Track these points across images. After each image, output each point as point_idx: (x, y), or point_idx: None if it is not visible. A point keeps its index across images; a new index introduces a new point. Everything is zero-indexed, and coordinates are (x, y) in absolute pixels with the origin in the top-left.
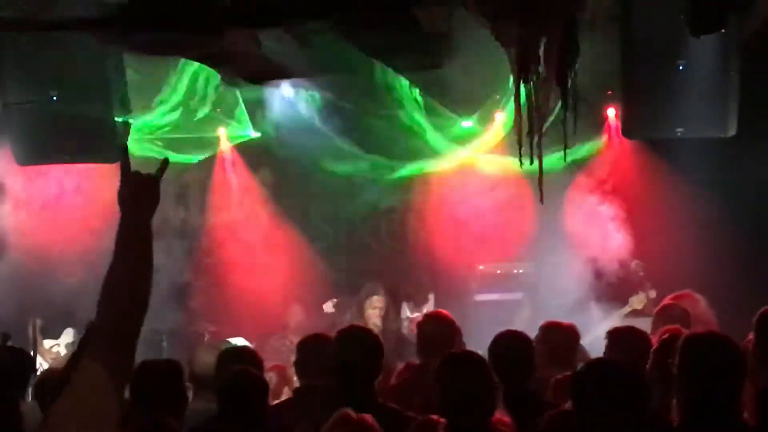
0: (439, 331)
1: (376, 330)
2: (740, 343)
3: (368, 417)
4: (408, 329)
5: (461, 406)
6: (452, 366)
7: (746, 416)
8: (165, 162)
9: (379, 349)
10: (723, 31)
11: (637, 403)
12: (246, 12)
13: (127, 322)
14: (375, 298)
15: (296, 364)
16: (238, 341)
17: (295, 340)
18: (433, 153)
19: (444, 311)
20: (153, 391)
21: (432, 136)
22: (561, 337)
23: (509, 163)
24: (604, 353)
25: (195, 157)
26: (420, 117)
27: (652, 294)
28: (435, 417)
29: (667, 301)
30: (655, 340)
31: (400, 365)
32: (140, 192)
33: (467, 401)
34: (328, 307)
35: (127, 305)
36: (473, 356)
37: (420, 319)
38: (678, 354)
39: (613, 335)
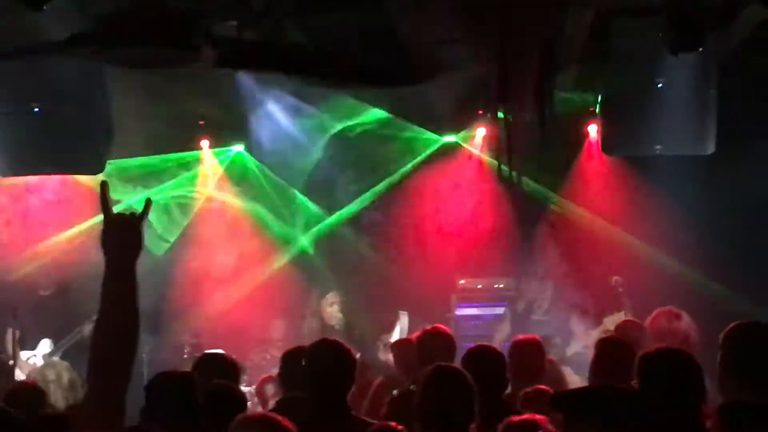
0: (439, 346)
1: (339, 324)
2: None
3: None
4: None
5: (440, 418)
6: (437, 378)
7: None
8: (148, 202)
9: (350, 361)
10: (701, 49)
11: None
12: (229, 57)
13: (116, 375)
14: (330, 295)
15: (279, 376)
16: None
17: (276, 353)
18: (416, 168)
19: (441, 326)
20: (166, 403)
21: (416, 151)
22: (527, 352)
23: (491, 178)
24: (591, 363)
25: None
26: (404, 132)
27: (629, 314)
28: (394, 423)
29: (652, 316)
30: None
31: (377, 380)
32: (124, 235)
33: (446, 413)
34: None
35: (117, 356)
36: (455, 370)
37: (418, 334)
38: (636, 371)
39: (601, 346)
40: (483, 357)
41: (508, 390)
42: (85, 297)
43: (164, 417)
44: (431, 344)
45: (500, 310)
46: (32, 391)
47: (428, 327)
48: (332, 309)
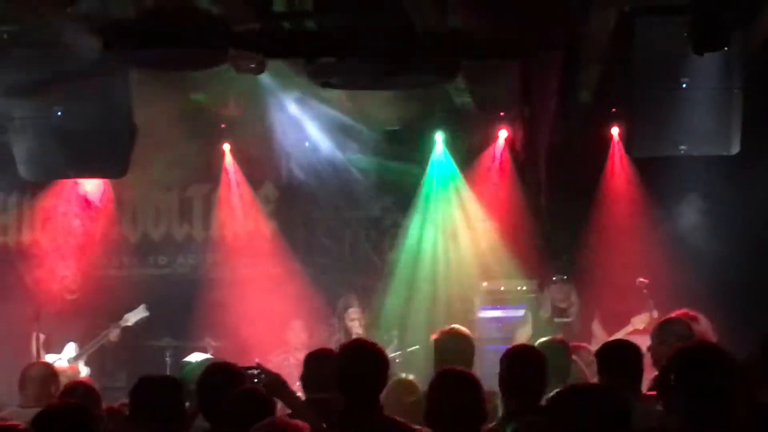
0: (457, 348)
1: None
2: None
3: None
4: None
5: (449, 420)
6: (443, 381)
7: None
8: None
9: (383, 362)
10: (726, 48)
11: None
12: (259, 43)
13: None
14: (351, 310)
15: (302, 378)
16: (198, 356)
17: (298, 356)
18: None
19: (460, 327)
20: (151, 405)
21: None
22: (554, 353)
23: (514, 179)
24: (597, 369)
25: None
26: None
27: (655, 314)
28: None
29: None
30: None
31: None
32: None
33: (455, 416)
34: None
35: None
36: (464, 373)
37: (436, 335)
38: (673, 367)
39: (605, 351)
40: (525, 359)
41: None
42: (110, 301)
43: (150, 420)
44: (448, 346)
45: (522, 313)
46: (86, 391)
47: (446, 328)
48: (353, 324)
